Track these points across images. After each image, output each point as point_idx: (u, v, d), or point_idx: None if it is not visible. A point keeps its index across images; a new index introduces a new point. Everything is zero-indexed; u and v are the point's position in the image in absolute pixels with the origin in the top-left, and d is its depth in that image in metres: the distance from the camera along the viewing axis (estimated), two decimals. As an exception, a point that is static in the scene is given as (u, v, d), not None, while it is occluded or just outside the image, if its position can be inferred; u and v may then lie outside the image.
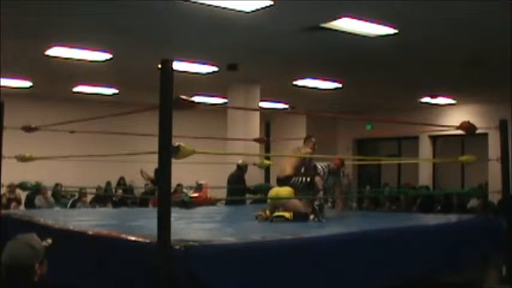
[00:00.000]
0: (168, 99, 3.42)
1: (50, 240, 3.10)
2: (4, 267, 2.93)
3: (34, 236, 3.04)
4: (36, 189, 10.06)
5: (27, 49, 9.11)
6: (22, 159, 6.07)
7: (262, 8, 6.76)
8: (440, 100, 14.32)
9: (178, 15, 7.22)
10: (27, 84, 12.25)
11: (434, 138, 16.22)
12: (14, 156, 5.82)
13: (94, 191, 11.88)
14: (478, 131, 5.68)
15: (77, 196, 11.63)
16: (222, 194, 10.00)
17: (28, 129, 6.29)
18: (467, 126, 5.54)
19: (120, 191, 13.61)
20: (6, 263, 2.93)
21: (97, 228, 4.71)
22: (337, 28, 7.54)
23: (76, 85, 12.55)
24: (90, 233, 4.39)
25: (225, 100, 13.24)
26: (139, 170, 12.55)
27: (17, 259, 2.92)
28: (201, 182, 11.74)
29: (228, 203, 8.85)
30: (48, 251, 3.06)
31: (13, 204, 11.12)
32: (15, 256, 2.93)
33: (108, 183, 13.40)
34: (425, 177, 15.86)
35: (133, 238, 3.87)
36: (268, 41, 8.54)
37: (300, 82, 11.79)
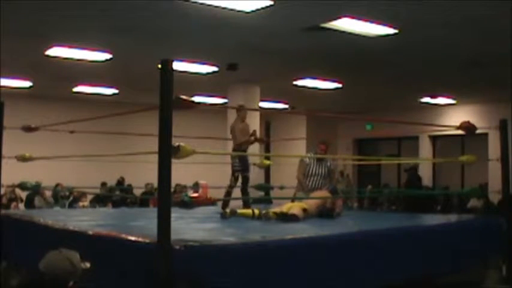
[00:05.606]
0: (168, 99, 3.42)
1: (88, 264, 3.04)
2: (41, 275, 2.89)
3: (76, 255, 3.00)
4: (36, 189, 10.05)
5: (27, 49, 9.10)
6: (22, 159, 6.07)
7: (262, 8, 6.75)
8: (440, 100, 14.30)
9: (178, 15, 7.21)
10: (27, 84, 12.24)
11: (434, 138, 16.20)
12: (14, 156, 5.82)
13: (95, 191, 11.85)
14: (478, 131, 5.68)
15: (78, 195, 11.62)
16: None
17: (28, 129, 6.30)
18: (467, 126, 5.54)
19: (118, 191, 13.54)
20: (43, 271, 2.90)
21: (97, 228, 4.71)
22: (337, 28, 7.53)
23: (76, 85, 12.54)
24: (90, 233, 4.39)
25: (225, 100, 13.23)
26: (139, 170, 12.58)
27: (54, 270, 2.88)
28: (201, 181, 11.78)
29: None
30: None
31: (13, 204, 11.11)
32: (53, 267, 2.89)
33: (103, 184, 13.16)
34: (425, 177, 15.84)
35: (133, 238, 3.87)
36: (268, 41, 8.53)
37: (300, 82, 11.77)
